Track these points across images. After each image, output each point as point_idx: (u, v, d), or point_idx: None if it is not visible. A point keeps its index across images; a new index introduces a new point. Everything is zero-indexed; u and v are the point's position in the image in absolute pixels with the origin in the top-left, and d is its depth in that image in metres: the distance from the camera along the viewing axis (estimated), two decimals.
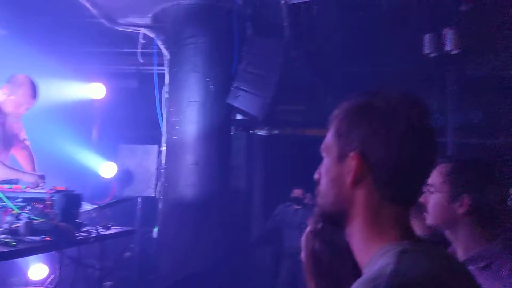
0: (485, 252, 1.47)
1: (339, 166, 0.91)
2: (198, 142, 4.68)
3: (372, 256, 0.85)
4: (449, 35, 4.42)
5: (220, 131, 4.82)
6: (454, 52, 4.41)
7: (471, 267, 1.44)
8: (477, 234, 1.50)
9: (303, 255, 1.41)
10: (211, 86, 4.69)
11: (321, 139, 0.98)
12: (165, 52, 5.09)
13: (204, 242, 4.55)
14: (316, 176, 0.97)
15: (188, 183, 4.64)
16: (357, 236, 0.90)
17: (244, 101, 4.68)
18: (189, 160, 4.65)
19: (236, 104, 4.70)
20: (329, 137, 0.95)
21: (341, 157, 0.91)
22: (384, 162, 0.86)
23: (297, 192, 5.38)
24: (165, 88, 5.04)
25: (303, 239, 1.38)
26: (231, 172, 5.13)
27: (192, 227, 4.57)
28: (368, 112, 0.89)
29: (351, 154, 0.89)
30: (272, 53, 4.80)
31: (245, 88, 4.64)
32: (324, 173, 0.95)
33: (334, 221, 0.95)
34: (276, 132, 7.31)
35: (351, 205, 0.90)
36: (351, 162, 0.88)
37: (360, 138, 0.88)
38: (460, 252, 1.52)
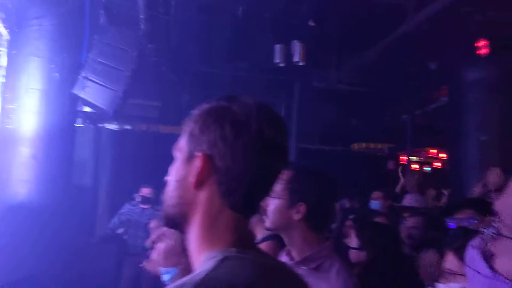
0: (316, 254, 1.59)
1: (186, 167, 0.89)
2: (37, 133, 4.29)
3: (201, 261, 0.84)
4: (297, 47, 4.72)
5: (64, 122, 4.49)
6: (300, 63, 4.73)
7: (304, 268, 1.56)
8: (310, 237, 1.62)
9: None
10: (55, 74, 4.33)
11: (175, 136, 0.95)
12: (4, 31, 4.56)
13: (41, 242, 4.18)
14: (167, 177, 0.94)
15: (23, 178, 4.23)
16: (193, 240, 0.88)
17: (93, 93, 4.42)
18: (25, 153, 4.23)
19: (83, 95, 4.42)
20: (183, 137, 0.92)
21: (189, 158, 0.89)
22: (228, 168, 0.86)
23: (145, 191, 5.23)
24: (1, 72, 4.52)
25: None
26: (75, 167, 4.81)
27: (28, 227, 4.17)
28: (222, 116, 0.87)
29: (198, 154, 0.87)
30: (126, 44, 4.62)
31: (94, 79, 4.39)
32: (172, 174, 0.92)
33: (175, 224, 0.93)
34: (127, 127, 7.07)
35: (192, 208, 0.88)
36: (196, 163, 0.87)
37: (209, 140, 0.87)
38: (294, 253, 1.63)
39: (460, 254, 1.52)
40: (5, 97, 4.39)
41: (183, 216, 0.90)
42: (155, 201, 5.16)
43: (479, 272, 1.22)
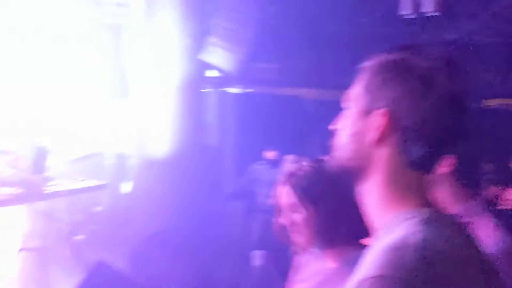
0: (468, 208, 1.52)
1: (362, 121, 0.87)
2: (170, 98, 4.60)
3: (389, 220, 0.83)
4: None
5: (193, 87, 4.75)
6: (432, 14, 4.39)
7: None
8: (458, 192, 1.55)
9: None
10: (185, 41, 4.56)
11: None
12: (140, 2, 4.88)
13: (176, 197, 4.56)
14: (333, 126, 0.94)
15: (160, 139, 4.60)
16: (373, 195, 0.87)
17: (219, 57, 4.60)
18: (162, 115, 4.58)
19: (210, 60, 4.61)
20: (357, 89, 0.89)
21: (366, 112, 0.86)
22: (414, 126, 0.82)
23: (269, 154, 5.46)
24: (138, 41, 4.87)
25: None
26: (203, 129, 5.10)
27: (164, 183, 4.56)
28: (407, 70, 0.84)
29: (381, 110, 0.84)
30: (249, 8, 4.69)
31: (220, 44, 4.54)
32: (345, 126, 0.90)
33: (348, 175, 0.91)
34: (249, 90, 7.25)
35: (370, 163, 0.86)
36: (378, 119, 0.84)
37: (391, 96, 0.83)
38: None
39: None
40: (142, 66, 4.75)
41: (360, 170, 0.89)
42: (279, 162, 5.33)
43: None
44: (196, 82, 4.80)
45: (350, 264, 0.87)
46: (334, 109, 1.02)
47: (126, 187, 4.98)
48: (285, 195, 1.35)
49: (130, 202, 4.84)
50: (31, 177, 2.71)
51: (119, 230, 5.17)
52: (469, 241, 0.85)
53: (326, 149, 0.97)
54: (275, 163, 5.40)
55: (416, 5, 4.42)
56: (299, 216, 1.32)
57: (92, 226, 5.23)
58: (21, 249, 3.79)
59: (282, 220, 1.37)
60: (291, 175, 1.36)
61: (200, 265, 3.87)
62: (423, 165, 0.86)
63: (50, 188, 2.89)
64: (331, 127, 0.93)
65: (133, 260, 4.21)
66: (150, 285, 2.87)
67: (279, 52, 6.56)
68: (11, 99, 3.69)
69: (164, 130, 4.60)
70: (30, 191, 2.68)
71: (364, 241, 1.20)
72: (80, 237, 4.34)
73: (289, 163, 1.34)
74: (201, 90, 5.12)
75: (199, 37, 4.60)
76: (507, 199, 2.73)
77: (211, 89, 6.52)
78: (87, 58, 4.70)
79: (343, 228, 1.28)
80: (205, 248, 4.29)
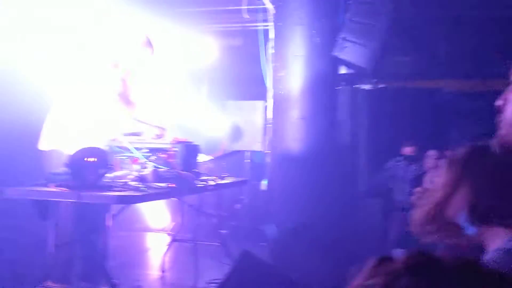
0: None
1: None
2: (303, 96, 4.67)
3: None
4: None
5: (325, 85, 4.77)
6: None
7: None
8: None
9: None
10: (317, 39, 4.61)
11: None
12: (270, 6, 5.07)
13: (311, 195, 4.61)
14: (500, 102, 0.90)
15: (294, 137, 4.69)
16: None
17: (351, 53, 4.55)
18: (295, 114, 4.67)
19: (342, 56, 4.59)
20: None
21: None
22: None
23: (407, 150, 5.26)
24: (270, 44, 5.05)
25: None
26: (336, 127, 5.08)
27: (299, 180, 4.65)
28: None
29: None
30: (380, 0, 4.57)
31: (352, 39, 4.49)
32: None
33: None
34: (382, 85, 7.04)
35: None
36: None
37: None
38: None
39: None
40: (275, 66, 4.91)
41: None
42: (418, 158, 5.12)
43: None
44: (329, 80, 4.81)
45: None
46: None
47: (264, 184, 5.19)
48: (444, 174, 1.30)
49: (268, 198, 5.03)
50: (182, 173, 2.97)
51: (257, 226, 5.41)
52: None
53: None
54: (414, 159, 5.19)
55: None
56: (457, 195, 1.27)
57: (234, 222, 5.56)
58: (173, 240, 4.18)
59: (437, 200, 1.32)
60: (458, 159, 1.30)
61: (337, 261, 3.87)
62: None
63: (199, 183, 3.14)
64: (497, 103, 0.89)
65: (274, 251, 4.37)
66: (291, 274, 2.95)
67: (413, 44, 6.27)
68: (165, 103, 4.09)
69: (297, 128, 4.68)
70: (182, 186, 2.93)
71: None
72: (225, 231, 4.64)
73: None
74: (334, 87, 5.11)
75: (330, 34, 4.61)
76: None
77: (344, 86, 6.47)
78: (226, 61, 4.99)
79: (505, 208, 1.20)
80: (341, 244, 4.27)
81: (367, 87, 6.72)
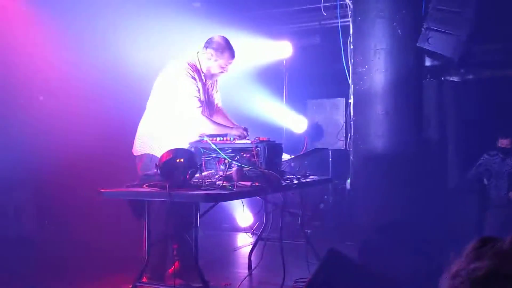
0: None
1: None
2: (387, 90, 4.54)
3: None
4: None
5: (410, 78, 4.59)
6: None
7: None
8: None
9: None
10: (398, 31, 4.46)
11: None
12: (348, 2, 4.99)
13: (398, 192, 4.46)
14: None
15: (378, 133, 4.57)
16: None
17: (436, 42, 4.35)
18: (378, 110, 4.55)
19: (427, 47, 4.40)
20: None
21: None
22: None
23: (503, 142, 4.90)
24: (350, 39, 4.97)
25: None
26: (422, 121, 4.87)
27: (384, 178, 4.51)
28: None
29: None
30: None
31: (437, 28, 4.29)
32: None
33: None
34: (470, 77, 6.63)
35: None
36: None
37: None
38: None
39: None
40: (356, 62, 4.81)
41: None
42: None
43: None
44: (414, 72, 4.63)
45: None
46: None
47: (347, 182, 5.11)
48: None
49: (352, 197, 4.94)
50: (266, 172, 3.00)
51: (341, 226, 5.33)
52: None
53: None
54: (510, 152, 4.84)
55: None
56: None
57: (318, 222, 5.54)
58: (258, 239, 4.23)
59: None
60: None
61: (429, 259, 3.71)
62: None
63: (283, 182, 3.16)
64: None
65: (361, 250, 4.29)
66: (379, 273, 2.88)
67: (503, 30, 5.84)
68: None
69: (381, 124, 4.55)
70: (266, 184, 2.97)
71: None
72: (309, 230, 4.64)
73: None
74: (420, 80, 4.91)
75: (412, 24, 4.44)
76: None
77: (430, 79, 6.20)
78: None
79: None
80: (434, 242, 4.09)
81: (454, 78, 6.37)
